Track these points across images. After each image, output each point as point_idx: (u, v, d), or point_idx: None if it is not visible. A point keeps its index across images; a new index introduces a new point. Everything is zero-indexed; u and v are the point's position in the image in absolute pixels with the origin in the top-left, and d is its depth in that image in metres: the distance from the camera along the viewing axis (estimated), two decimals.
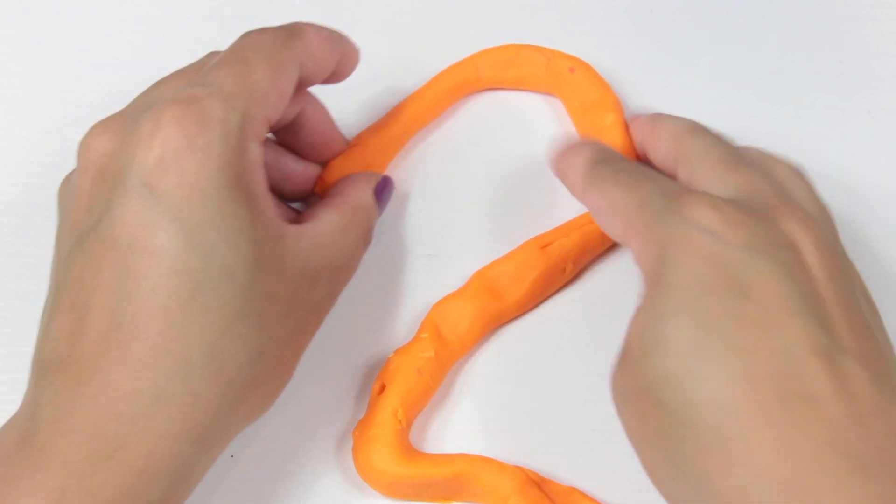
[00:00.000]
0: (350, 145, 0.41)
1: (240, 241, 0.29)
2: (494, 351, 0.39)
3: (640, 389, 0.29)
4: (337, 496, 0.37)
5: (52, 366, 0.29)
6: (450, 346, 0.38)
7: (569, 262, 0.39)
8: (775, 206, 0.31)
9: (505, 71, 0.44)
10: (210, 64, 0.33)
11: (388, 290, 0.40)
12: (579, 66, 0.43)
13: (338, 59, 0.36)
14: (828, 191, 0.41)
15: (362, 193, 0.37)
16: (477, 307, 0.38)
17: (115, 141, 0.31)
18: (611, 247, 0.40)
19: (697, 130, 0.36)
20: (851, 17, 0.47)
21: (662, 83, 0.45)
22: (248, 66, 0.31)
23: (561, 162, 0.37)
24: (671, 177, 0.35)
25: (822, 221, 0.32)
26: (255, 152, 0.30)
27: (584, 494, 0.36)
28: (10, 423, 0.30)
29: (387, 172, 0.42)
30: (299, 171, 0.39)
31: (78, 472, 0.27)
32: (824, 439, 0.26)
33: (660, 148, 0.37)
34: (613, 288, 0.40)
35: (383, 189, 0.39)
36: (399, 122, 0.42)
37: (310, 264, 0.32)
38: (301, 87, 0.35)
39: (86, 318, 0.29)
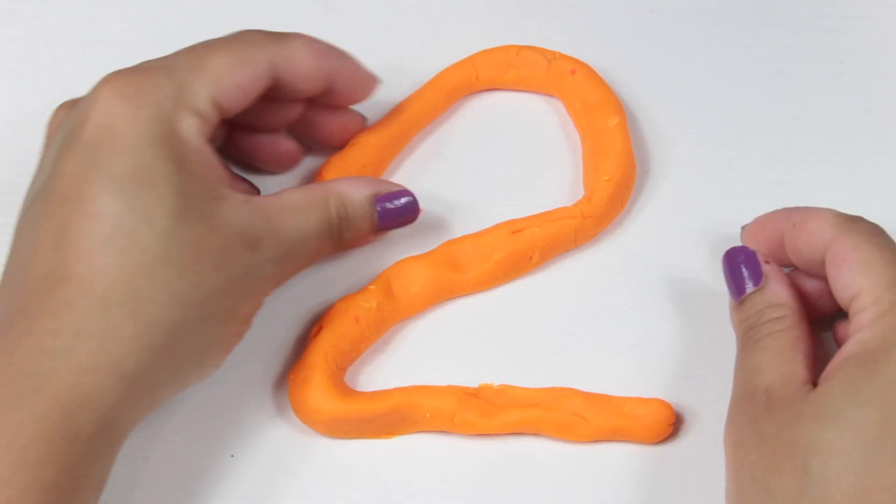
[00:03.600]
0: (349, 145, 0.41)
1: (164, 191, 0.31)
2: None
3: (791, 445, 0.30)
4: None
5: None
6: (397, 303, 0.38)
7: (536, 251, 0.39)
8: None
9: (505, 72, 0.44)
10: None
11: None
12: (580, 68, 0.43)
13: (327, 73, 0.37)
14: (828, 191, 0.42)
15: (349, 189, 0.36)
16: (434, 274, 0.38)
17: (68, 111, 0.34)
18: (581, 245, 0.40)
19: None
20: (851, 17, 0.47)
21: (662, 83, 0.45)
22: (207, 51, 0.34)
23: (798, 213, 0.35)
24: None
25: None
26: (190, 122, 0.33)
27: (516, 387, 0.37)
28: None
29: (386, 173, 0.42)
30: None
31: (5, 406, 0.29)
32: None
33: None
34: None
35: (389, 201, 0.37)
36: (398, 122, 0.42)
37: (249, 228, 0.33)
38: (285, 94, 0.36)
39: (25, 271, 0.31)
